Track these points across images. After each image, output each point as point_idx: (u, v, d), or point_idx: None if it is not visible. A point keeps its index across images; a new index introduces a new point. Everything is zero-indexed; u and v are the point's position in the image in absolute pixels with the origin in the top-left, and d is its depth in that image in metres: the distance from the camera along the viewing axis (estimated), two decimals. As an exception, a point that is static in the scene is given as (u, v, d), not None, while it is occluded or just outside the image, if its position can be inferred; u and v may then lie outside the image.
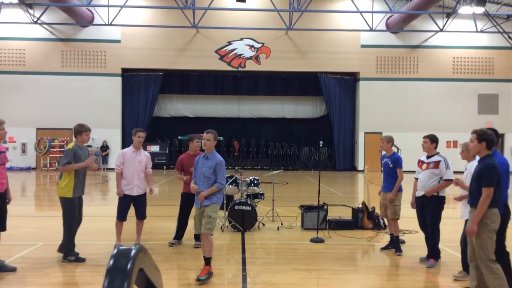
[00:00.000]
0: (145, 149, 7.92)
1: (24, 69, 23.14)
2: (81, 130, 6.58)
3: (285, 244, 7.64)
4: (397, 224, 7.14)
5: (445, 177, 6.42)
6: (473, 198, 4.87)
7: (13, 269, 5.97)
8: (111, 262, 1.45)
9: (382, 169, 7.50)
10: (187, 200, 7.48)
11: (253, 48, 23.89)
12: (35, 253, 6.92)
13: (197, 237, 7.44)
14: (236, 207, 8.48)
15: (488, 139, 4.89)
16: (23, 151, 23.03)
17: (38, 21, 22.20)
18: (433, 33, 23.53)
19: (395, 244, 7.13)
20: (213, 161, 5.83)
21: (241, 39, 23.75)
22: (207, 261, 5.75)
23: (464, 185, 5.69)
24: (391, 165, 7.19)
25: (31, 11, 21.78)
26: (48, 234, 8.00)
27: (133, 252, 1.49)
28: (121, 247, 1.54)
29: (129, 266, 1.44)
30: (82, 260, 6.42)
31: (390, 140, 7.35)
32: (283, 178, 18.81)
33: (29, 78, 23.00)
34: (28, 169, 22.74)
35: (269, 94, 25.27)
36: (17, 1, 20.08)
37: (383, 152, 7.55)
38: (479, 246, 4.72)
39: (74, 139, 6.73)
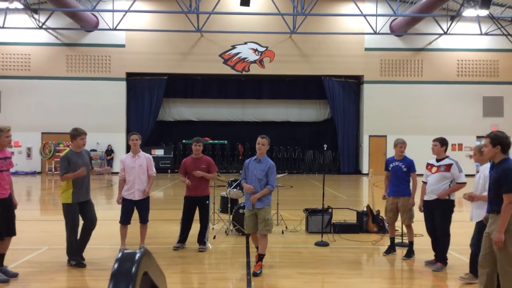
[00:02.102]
0: (149, 152, 7.94)
1: (29, 74, 23.28)
2: (75, 134, 6.48)
3: (289, 247, 7.62)
4: (412, 229, 7.11)
5: (458, 181, 6.39)
6: (493, 204, 4.68)
7: (14, 275, 5.95)
8: (116, 265, 1.45)
9: (390, 173, 7.23)
10: (190, 204, 7.47)
11: (257, 52, 23.93)
12: (40, 257, 6.94)
13: (200, 241, 7.45)
14: (241, 211, 8.46)
15: (503, 142, 4.66)
16: (28, 155, 23.15)
17: (43, 26, 22.37)
18: (437, 36, 23.51)
19: (410, 249, 7.05)
20: (265, 165, 6.23)
21: (245, 43, 23.81)
22: (262, 257, 6.27)
23: (479, 197, 5.58)
24: (405, 169, 7.05)
25: (36, 16, 21.94)
26: (53, 239, 8.00)
27: (137, 255, 1.48)
28: (125, 251, 1.54)
29: (133, 269, 1.44)
30: (82, 265, 6.40)
31: (406, 145, 7.26)
32: (288, 182, 18.79)
33: (34, 82, 23.14)
34: (33, 173, 22.83)
35: (273, 97, 25.33)
36: (23, 7, 20.21)
37: (391, 156, 7.44)
38: (504, 255, 4.50)
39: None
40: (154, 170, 7.38)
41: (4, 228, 5.85)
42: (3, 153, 5.90)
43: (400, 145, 7.21)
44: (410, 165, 7.08)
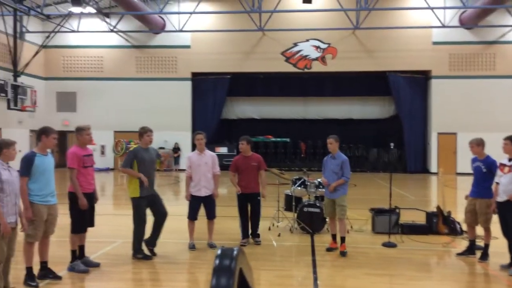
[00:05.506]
0: (213, 150, 8.17)
1: (102, 75, 24.56)
2: (142, 132, 6.85)
3: (355, 247, 7.54)
4: (490, 232, 6.80)
5: None
6: None
7: (96, 265, 6.37)
8: (217, 261, 1.58)
9: (473, 173, 6.90)
10: (243, 201, 7.69)
11: (319, 49, 23.74)
12: (116, 250, 7.34)
13: (254, 235, 7.73)
14: (305, 209, 8.50)
15: None
16: (102, 153, 24.41)
17: (114, 29, 23.49)
18: (510, 28, 22.17)
19: (485, 252, 6.79)
20: (339, 160, 7.17)
21: (307, 40, 23.68)
22: (344, 239, 7.12)
23: None
24: (484, 170, 6.67)
25: (108, 20, 23.11)
26: (126, 233, 8.38)
27: (234, 252, 1.62)
28: (223, 248, 1.66)
29: (232, 265, 1.57)
30: (149, 258, 6.69)
31: (480, 143, 6.82)
32: (351, 180, 18.31)
33: (107, 83, 24.39)
34: (107, 169, 24.04)
35: (336, 95, 25.00)
36: (95, 11, 21.37)
37: (474, 155, 7.00)
38: None
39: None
40: (219, 168, 7.58)
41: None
42: (86, 151, 6.34)
43: (470, 145, 6.91)
44: (490, 166, 6.62)
